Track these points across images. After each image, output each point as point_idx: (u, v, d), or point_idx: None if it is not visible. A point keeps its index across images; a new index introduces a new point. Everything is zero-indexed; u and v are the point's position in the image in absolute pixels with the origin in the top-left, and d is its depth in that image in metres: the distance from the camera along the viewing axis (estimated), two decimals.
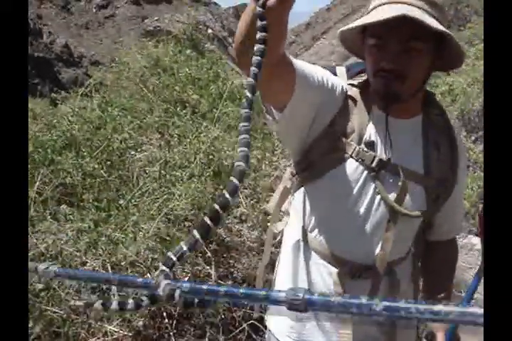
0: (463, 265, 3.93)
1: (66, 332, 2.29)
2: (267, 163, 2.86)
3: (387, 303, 0.91)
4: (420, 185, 1.45)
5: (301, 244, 1.55)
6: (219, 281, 2.45)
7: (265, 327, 2.44)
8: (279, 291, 0.99)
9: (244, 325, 2.40)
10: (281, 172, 2.80)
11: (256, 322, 2.43)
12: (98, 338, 2.31)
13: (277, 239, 1.73)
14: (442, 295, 1.60)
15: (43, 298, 2.38)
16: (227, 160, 2.80)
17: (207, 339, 2.36)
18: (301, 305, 0.99)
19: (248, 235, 2.57)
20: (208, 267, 2.46)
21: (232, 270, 2.52)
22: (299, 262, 1.57)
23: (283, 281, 1.64)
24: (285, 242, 1.63)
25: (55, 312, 2.36)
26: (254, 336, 2.43)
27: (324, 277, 1.52)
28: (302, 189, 1.53)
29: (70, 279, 1.73)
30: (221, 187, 2.67)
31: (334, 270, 1.49)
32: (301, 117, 1.40)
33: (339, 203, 1.46)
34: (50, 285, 2.41)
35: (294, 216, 1.60)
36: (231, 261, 2.54)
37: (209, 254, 2.48)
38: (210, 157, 2.76)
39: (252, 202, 2.67)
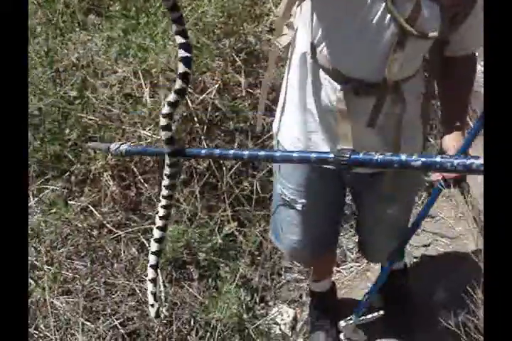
0: None
1: (101, 137, 2.39)
2: None
3: (424, 159, 1.01)
4: (435, 3, 1.33)
5: (308, 57, 1.53)
6: (248, 89, 2.47)
7: None
8: (328, 153, 1.14)
9: (267, 136, 2.46)
10: None
11: None
12: (132, 142, 2.41)
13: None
14: (458, 124, 1.59)
15: (78, 106, 2.45)
16: None
17: (236, 144, 2.44)
18: (348, 162, 1.07)
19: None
20: (237, 75, 2.46)
21: (261, 79, 2.52)
22: (306, 75, 1.56)
23: (291, 94, 1.65)
24: (292, 55, 1.61)
25: (90, 119, 2.44)
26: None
27: (328, 93, 1.53)
28: (310, 0, 1.46)
29: (138, 155, 1.76)
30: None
31: (338, 86, 1.49)
32: None
33: (346, 20, 1.39)
34: (83, 93, 2.47)
35: (302, 28, 1.55)
36: (260, 71, 2.54)
37: (239, 63, 2.48)
38: None
39: None
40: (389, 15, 1.33)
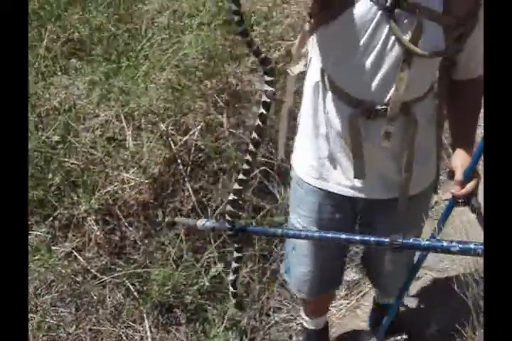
0: None
1: (85, 181, 2.37)
2: (278, 10, 2.77)
3: (461, 245, 1.28)
4: (439, 24, 1.41)
5: (320, 84, 1.59)
6: (231, 130, 2.48)
7: (277, 173, 2.54)
8: (385, 238, 1.40)
9: (256, 172, 2.46)
10: (292, 20, 2.72)
11: (267, 169, 2.50)
12: (115, 186, 2.40)
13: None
14: (466, 144, 1.62)
15: (60, 150, 2.44)
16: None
17: (220, 184, 2.44)
18: (400, 246, 1.36)
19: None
20: (219, 116, 2.48)
21: (244, 119, 2.54)
22: (318, 103, 1.62)
23: (306, 122, 1.69)
24: (306, 83, 1.67)
25: (72, 164, 2.42)
26: (265, 182, 2.51)
27: (340, 118, 1.57)
28: (319, 30, 1.52)
29: (223, 231, 1.86)
30: (230, 37, 2.61)
31: (349, 110, 1.54)
32: None
33: (353, 44, 1.45)
34: (66, 137, 2.46)
35: (314, 57, 1.61)
36: (242, 111, 2.56)
37: (221, 104, 2.49)
38: (220, 4, 2.67)
39: (263, 50, 2.62)
40: (393, 37, 1.41)
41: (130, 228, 2.38)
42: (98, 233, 2.36)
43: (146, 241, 2.36)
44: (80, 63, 2.70)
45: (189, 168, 2.42)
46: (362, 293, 2.59)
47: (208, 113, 2.48)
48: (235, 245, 1.61)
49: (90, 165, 2.41)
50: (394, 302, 2.06)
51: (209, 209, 2.39)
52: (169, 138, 2.40)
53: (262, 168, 2.41)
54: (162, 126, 2.39)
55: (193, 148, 2.42)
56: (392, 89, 1.46)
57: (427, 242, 1.35)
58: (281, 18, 2.75)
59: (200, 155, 2.46)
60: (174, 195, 2.42)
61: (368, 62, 1.46)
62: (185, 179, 2.40)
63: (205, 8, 2.62)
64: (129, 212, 2.40)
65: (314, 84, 1.60)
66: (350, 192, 1.69)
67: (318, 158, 1.68)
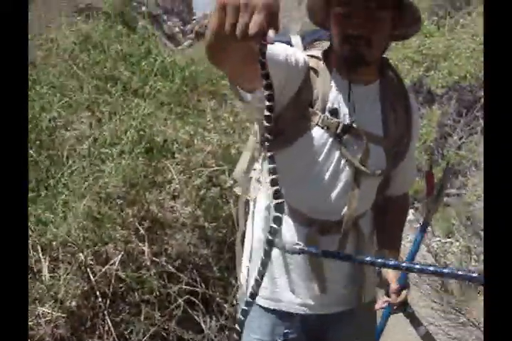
0: None
1: None
2: (199, 138, 2.84)
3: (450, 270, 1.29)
4: (380, 146, 1.56)
5: (272, 207, 1.59)
6: (153, 258, 2.43)
7: (200, 301, 2.47)
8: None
9: (180, 301, 2.39)
10: (214, 148, 2.78)
11: (191, 297, 2.43)
12: (31, 321, 2.26)
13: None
14: (393, 253, 1.68)
15: None
16: (159, 136, 2.76)
17: (142, 316, 2.34)
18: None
19: (182, 211, 2.55)
20: (141, 244, 2.43)
21: (166, 246, 2.50)
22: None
23: (258, 246, 1.69)
24: (257, 207, 1.70)
25: None
26: (189, 311, 2.43)
27: (294, 238, 1.60)
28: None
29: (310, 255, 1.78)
30: (153, 163, 2.64)
31: (305, 229, 1.59)
32: None
33: (307, 168, 1.55)
34: None
35: (265, 182, 1.66)
36: (165, 238, 2.52)
37: (142, 232, 2.45)
38: (141, 133, 2.71)
39: (184, 177, 2.65)
40: (343, 160, 1.52)
41: None
42: None
43: None
44: None
45: (109, 300, 2.31)
46: None
47: (128, 241, 2.43)
48: None
49: None
50: None
51: None
52: (88, 269, 2.32)
53: (185, 297, 2.34)
54: (81, 257, 2.31)
55: (113, 279, 2.33)
56: (345, 207, 1.56)
57: None
58: (202, 145, 2.81)
59: (120, 285, 2.37)
60: (93, 329, 2.29)
61: (322, 184, 1.55)
62: (105, 312, 2.29)
63: (126, 137, 2.66)
64: None
65: (266, 207, 1.64)
66: (301, 310, 1.68)
67: (271, 279, 1.68)
